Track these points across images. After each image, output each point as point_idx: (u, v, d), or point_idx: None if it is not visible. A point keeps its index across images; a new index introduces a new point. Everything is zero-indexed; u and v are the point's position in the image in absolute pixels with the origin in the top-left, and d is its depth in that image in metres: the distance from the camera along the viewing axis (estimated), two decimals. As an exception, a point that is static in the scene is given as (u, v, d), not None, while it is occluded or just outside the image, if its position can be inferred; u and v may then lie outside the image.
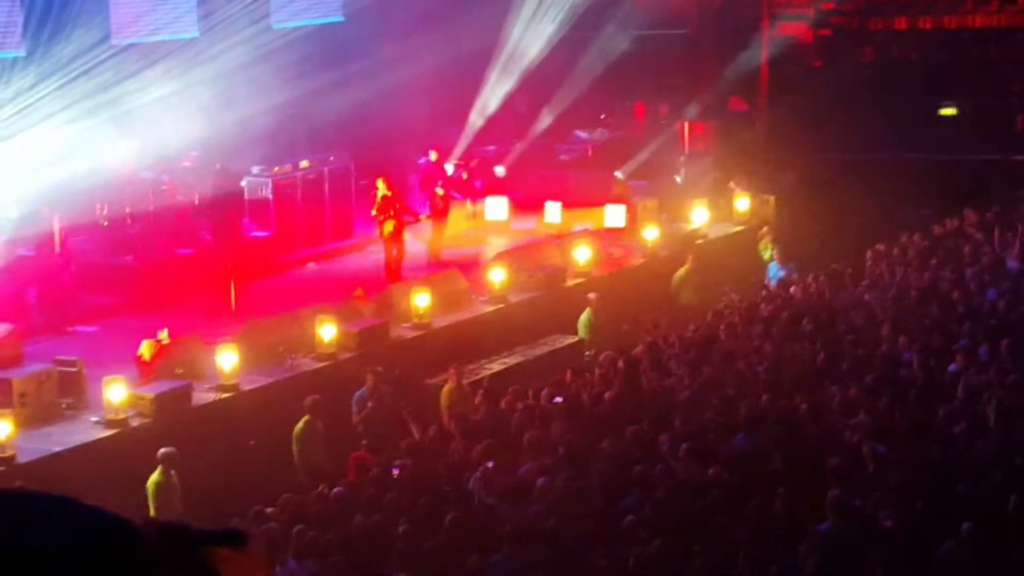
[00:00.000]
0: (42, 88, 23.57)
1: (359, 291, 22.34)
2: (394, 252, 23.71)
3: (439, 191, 25.61)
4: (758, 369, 18.16)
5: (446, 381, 19.42)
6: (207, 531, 1.41)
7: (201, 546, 1.39)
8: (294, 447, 17.81)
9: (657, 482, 14.07)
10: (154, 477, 15.93)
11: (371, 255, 24.02)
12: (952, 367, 17.62)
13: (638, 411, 16.63)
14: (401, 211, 23.58)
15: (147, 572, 1.35)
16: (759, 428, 15.72)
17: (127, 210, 23.87)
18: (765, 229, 26.79)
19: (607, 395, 17.45)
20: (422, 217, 23.85)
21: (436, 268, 24.41)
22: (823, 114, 31.87)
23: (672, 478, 14.26)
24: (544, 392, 17.80)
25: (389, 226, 23.34)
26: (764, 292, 23.13)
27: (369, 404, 18.73)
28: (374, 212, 23.56)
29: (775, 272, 24.48)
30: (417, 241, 26.11)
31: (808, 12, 36.92)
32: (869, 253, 24.80)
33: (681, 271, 24.84)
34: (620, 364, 18.82)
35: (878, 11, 36.93)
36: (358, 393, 18.95)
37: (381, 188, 23.51)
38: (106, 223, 23.70)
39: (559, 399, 17.52)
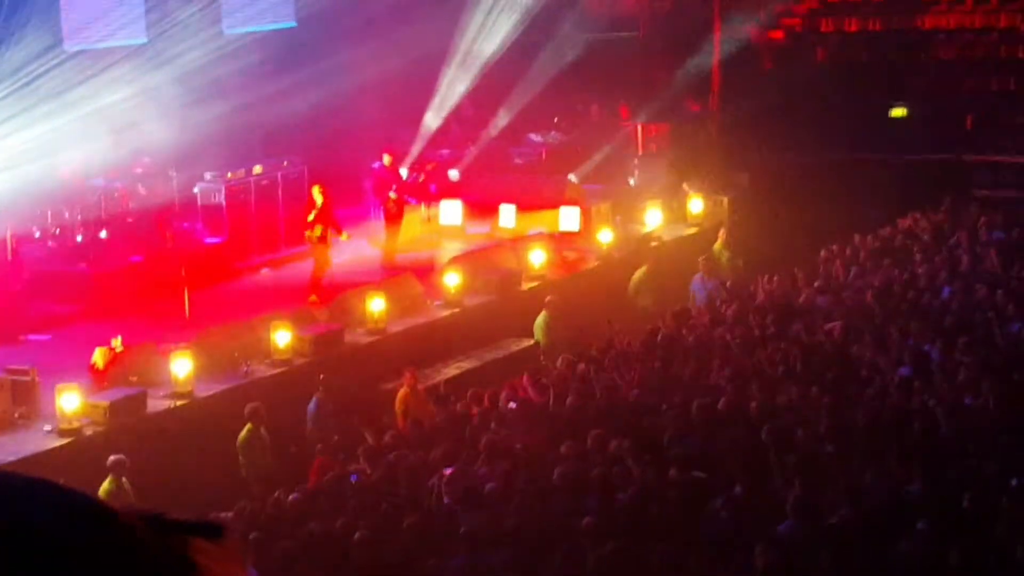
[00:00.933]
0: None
1: (313, 297, 22.29)
2: (320, 262, 23.41)
3: (393, 195, 25.55)
4: (719, 370, 18.19)
5: (401, 385, 19.39)
6: (185, 520, 1.39)
7: (179, 534, 1.37)
8: (240, 456, 17.76)
9: (616, 484, 14.05)
10: (105, 485, 15.80)
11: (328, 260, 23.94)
12: (903, 370, 17.69)
13: (596, 414, 16.63)
14: (328, 222, 23.31)
15: (126, 555, 1.33)
16: (716, 428, 15.74)
17: (79, 217, 23.73)
18: (722, 231, 26.88)
19: (568, 400, 17.42)
20: (344, 235, 23.60)
21: (391, 273, 24.35)
22: (776, 115, 32.00)
23: (630, 480, 14.25)
24: (502, 395, 17.80)
25: (316, 232, 23.14)
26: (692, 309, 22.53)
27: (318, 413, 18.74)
28: (310, 219, 23.32)
29: (698, 287, 24.09)
30: (371, 246, 26.08)
31: (759, 14, 37.06)
32: (822, 253, 24.90)
33: (638, 273, 24.88)
34: (579, 367, 18.83)
35: (829, 12, 37.12)
36: (311, 405, 18.96)
37: (316, 196, 23.35)
38: (58, 230, 23.56)
39: (514, 404, 17.51)
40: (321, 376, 19.30)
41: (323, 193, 23.36)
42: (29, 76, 23.62)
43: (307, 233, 23.30)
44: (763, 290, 22.68)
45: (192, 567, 1.36)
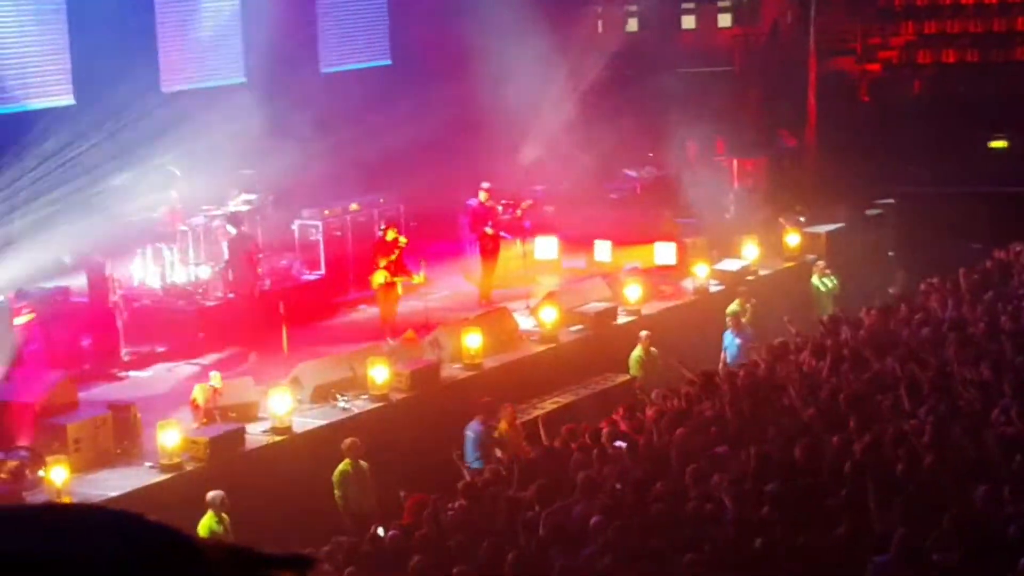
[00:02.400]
0: (92, 136, 23.74)
1: (409, 332, 22.35)
2: (388, 305, 23.37)
3: (489, 231, 25.64)
4: (819, 403, 18.01)
5: (499, 421, 19.40)
6: (274, 554, 1.39)
7: (265, 569, 1.38)
8: (335, 491, 17.82)
9: (713, 520, 13.96)
10: (204, 520, 15.94)
11: (422, 296, 24.02)
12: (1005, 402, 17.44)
13: (694, 448, 16.53)
14: (398, 269, 23.26)
15: None
16: (817, 464, 15.59)
17: (179, 256, 23.97)
18: (819, 263, 26.72)
19: (663, 432, 17.34)
20: (416, 277, 23.55)
21: (487, 308, 24.39)
22: (872, 148, 31.81)
23: (726, 516, 14.15)
24: (605, 432, 17.70)
25: (380, 277, 23.13)
26: (721, 367, 21.81)
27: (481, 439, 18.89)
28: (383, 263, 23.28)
29: (731, 341, 23.32)
30: (467, 282, 26.16)
31: (855, 47, 36.91)
32: (922, 286, 24.66)
33: (732, 307, 24.76)
34: (674, 402, 18.75)
35: (926, 45, 36.87)
36: (470, 431, 19.02)
37: (391, 236, 23.33)
38: (158, 268, 23.81)
39: (621, 444, 17.35)
40: (485, 399, 19.38)
41: (397, 234, 23.34)
42: (128, 118, 23.92)
43: (372, 277, 23.26)
44: (862, 322, 22.47)
45: None
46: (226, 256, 23.60)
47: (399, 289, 23.29)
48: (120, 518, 1.37)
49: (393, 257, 23.14)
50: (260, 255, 23.75)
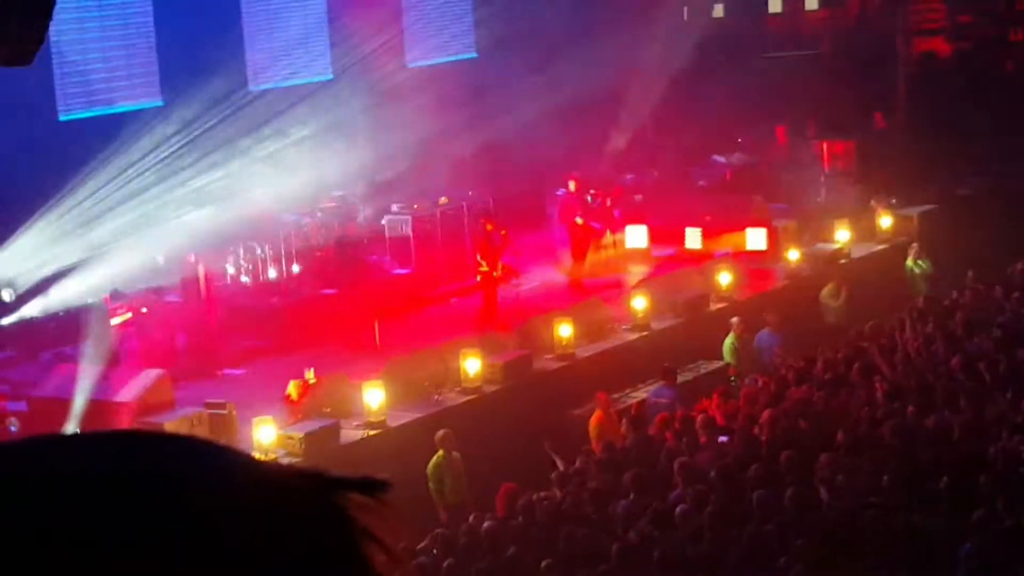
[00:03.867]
0: (182, 136, 23.96)
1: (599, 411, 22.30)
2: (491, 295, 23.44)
3: (579, 221, 25.61)
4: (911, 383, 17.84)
5: (593, 410, 19.38)
6: (345, 476, 1.39)
7: (338, 489, 1.38)
8: (430, 483, 17.85)
9: (809, 506, 13.86)
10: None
11: (513, 287, 24.03)
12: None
13: (789, 435, 16.42)
14: (496, 257, 23.30)
15: (275, 504, 1.34)
16: (913, 448, 15.43)
17: (270, 252, 24.13)
18: (913, 246, 26.46)
19: (761, 419, 17.22)
20: (497, 271, 23.52)
21: (578, 298, 24.36)
22: (965, 129, 31.41)
23: (822, 503, 14.05)
24: (699, 420, 17.60)
25: (483, 266, 23.21)
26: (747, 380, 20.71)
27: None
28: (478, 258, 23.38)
29: (766, 342, 22.40)
30: (558, 272, 26.14)
31: (945, 26, 36.47)
32: (1020, 265, 24.32)
33: (826, 291, 24.58)
34: (770, 387, 18.65)
35: (1018, 21, 36.37)
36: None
37: (489, 230, 23.40)
38: (250, 266, 23.99)
39: (724, 438, 17.20)
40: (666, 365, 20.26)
41: (495, 226, 23.39)
42: (218, 116, 24.12)
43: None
44: (959, 303, 22.24)
45: (346, 519, 1.37)
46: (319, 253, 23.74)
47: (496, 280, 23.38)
48: (177, 442, 1.38)
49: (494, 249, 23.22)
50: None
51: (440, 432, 18.01)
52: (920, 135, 31.53)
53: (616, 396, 20.50)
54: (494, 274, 23.17)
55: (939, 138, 30.93)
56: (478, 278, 23.46)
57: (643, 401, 20.47)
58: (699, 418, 17.68)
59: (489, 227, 23.43)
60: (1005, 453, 14.81)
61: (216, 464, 1.31)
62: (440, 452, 17.87)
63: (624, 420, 18.83)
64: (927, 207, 28.95)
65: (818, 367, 19.51)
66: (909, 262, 26.14)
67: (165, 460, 1.29)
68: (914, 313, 22.25)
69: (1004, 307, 21.79)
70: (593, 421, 19.20)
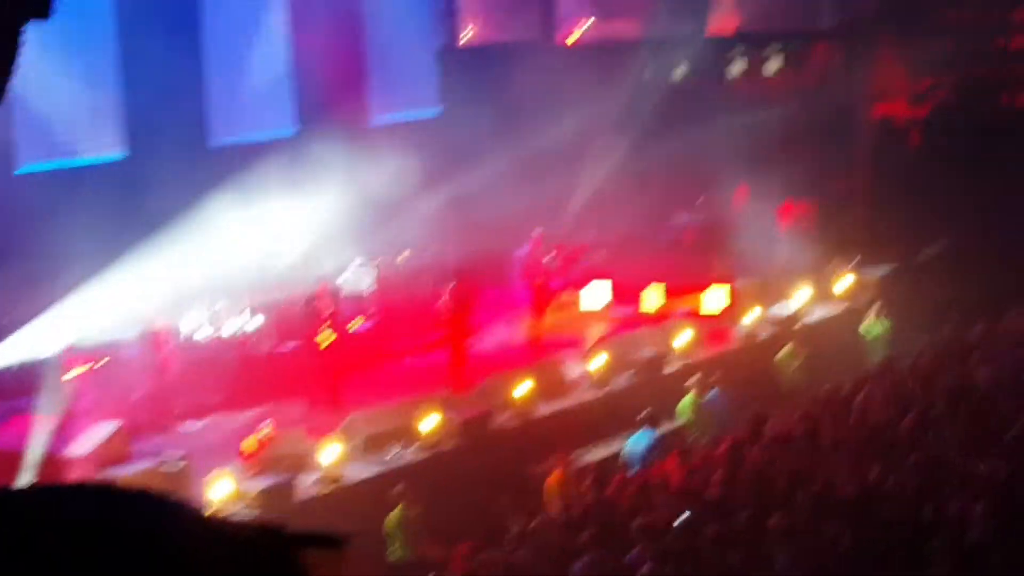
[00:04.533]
0: (143, 189, 23.87)
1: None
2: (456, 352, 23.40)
3: (539, 279, 25.63)
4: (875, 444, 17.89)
5: (552, 469, 19.34)
6: (305, 532, 1.39)
7: (297, 547, 1.38)
8: (388, 539, 17.77)
9: (764, 567, 13.86)
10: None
11: (473, 345, 24.00)
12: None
13: (743, 495, 16.43)
14: (462, 314, 23.28)
15: (235, 564, 1.34)
16: (871, 512, 15.45)
17: (229, 307, 24.03)
18: (873, 308, 26.56)
19: (713, 479, 17.24)
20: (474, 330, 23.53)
21: (537, 356, 24.36)
22: (924, 192, 31.62)
23: (776, 562, 14.05)
24: (658, 480, 17.62)
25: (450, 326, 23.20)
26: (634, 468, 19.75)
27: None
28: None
29: (643, 440, 20.60)
30: (517, 329, 26.13)
31: (905, 91, 36.77)
32: (977, 329, 24.47)
33: (784, 352, 24.65)
34: (723, 448, 18.65)
35: (977, 89, 36.69)
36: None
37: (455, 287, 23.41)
38: (208, 320, 23.88)
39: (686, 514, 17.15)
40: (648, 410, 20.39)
41: (460, 285, 23.39)
42: (179, 169, 24.05)
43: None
44: (918, 366, 22.34)
45: (300, 572, 1.37)
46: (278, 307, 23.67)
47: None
48: (147, 498, 1.39)
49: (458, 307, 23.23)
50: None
51: (397, 487, 17.95)
52: (880, 197, 31.72)
53: (574, 455, 20.46)
54: (463, 331, 23.14)
55: (899, 201, 31.12)
56: (442, 335, 23.42)
57: (605, 459, 20.46)
58: (657, 478, 17.67)
59: (455, 284, 23.43)
60: (959, 515, 14.85)
61: (182, 520, 1.30)
62: (398, 508, 17.80)
63: (589, 479, 18.78)
64: (887, 269, 29.10)
65: (774, 428, 19.54)
66: (868, 324, 26.23)
67: (134, 516, 1.29)
68: (872, 375, 22.36)
69: (958, 369, 21.89)
70: (552, 480, 19.17)
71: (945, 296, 27.76)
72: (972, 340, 23.90)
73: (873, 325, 26.09)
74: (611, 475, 18.79)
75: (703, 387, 22.38)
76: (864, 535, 14.68)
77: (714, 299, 26.73)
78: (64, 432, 19.38)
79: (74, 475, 18.21)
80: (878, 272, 28.81)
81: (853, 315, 27.20)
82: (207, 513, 1.39)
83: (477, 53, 33.49)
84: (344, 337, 22.23)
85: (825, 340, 25.69)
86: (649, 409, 20.23)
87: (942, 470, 16.61)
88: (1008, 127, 35.28)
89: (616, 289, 27.57)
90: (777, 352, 24.73)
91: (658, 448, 19.93)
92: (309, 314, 22.24)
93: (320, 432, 19.60)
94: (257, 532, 1.37)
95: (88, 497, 1.36)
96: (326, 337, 21.88)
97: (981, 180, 32.52)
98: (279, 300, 24.58)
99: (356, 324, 23.55)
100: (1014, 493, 15.57)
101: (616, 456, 20.92)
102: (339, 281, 25.38)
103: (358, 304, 25.28)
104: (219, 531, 1.35)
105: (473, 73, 30.73)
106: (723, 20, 36.55)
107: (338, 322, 22.45)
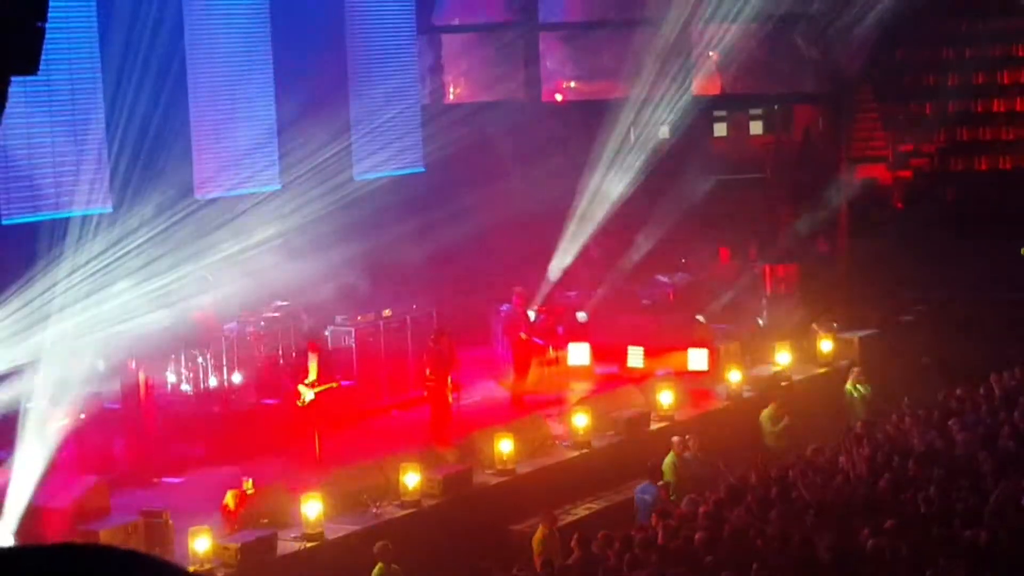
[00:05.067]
0: (128, 243, 23.90)
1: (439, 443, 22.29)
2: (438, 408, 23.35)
3: (522, 336, 25.67)
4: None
5: (537, 527, 19.32)
6: None
7: None
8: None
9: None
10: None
11: (455, 401, 23.98)
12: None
13: (723, 554, 16.42)
14: (445, 371, 23.23)
15: None
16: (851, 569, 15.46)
17: (211, 360, 24.02)
18: (854, 370, 26.64)
19: (696, 537, 17.23)
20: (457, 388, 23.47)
21: (519, 413, 24.37)
22: (906, 255, 31.76)
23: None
24: (639, 539, 17.60)
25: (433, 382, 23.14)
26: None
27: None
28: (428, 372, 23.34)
29: (650, 491, 21.10)
30: (500, 387, 26.15)
31: (887, 154, 36.98)
32: (957, 392, 24.54)
33: (766, 413, 24.70)
34: (702, 508, 18.65)
35: (958, 152, 36.92)
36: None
37: (438, 343, 23.40)
38: (191, 374, 23.87)
39: None
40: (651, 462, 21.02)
41: (441, 340, 23.38)
42: (165, 224, 24.11)
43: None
44: (897, 430, 22.39)
45: None
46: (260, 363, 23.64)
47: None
48: (138, 559, 1.39)
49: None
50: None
51: (378, 544, 17.90)
52: (862, 260, 31.85)
53: (556, 513, 20.43)
54: (444, 387, 23.10)
55: (881, 264, 31.26)
56: (425, 392, 23.41)
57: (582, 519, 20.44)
58: (639, 537, 17.64)
59: (439, 341, 23.44)
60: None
61: None
62: (379, 565, 17.75)
63: (575, 537, 18.73)
64: (868, 332, 29.21)
65: (755, 488, 19.55)
66: (849, 386, 26.30)
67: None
68: (852, 437, 22.38)
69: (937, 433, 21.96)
70: (537, 537, 19.14)
71: (925, 359, 27.87)
72: (951, 404, 23.96)
73: (853, 388, 26.16)
74: (595, 532, 18.75)
75: (684, 446, 22.41)
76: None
77: (697, 359, 26.78)
78: (44, 485, 19.30)
79: (53, 528, 18.14)
80: (859, 334, 28.88)
81: (834, 376, 27.27)
82: (188, 572, 1.40)
83: (462, 111, 33.61)
84: (328, 393, 22.16)
85: (807, 401, 25.75)
86: (653, 461, 20.23)
87: (922, 534, 16.64)
88: (989, 190, 35.51)
89: (599, 348, 27.61)
90: (759, 412, 24.77)
91: (662, 499, 20.28)
92: (295, 370, 22.19)
93: (301, 488, 19.54)
94: None
95: (69, 559, 1.37)
96: (310, 394, 21.84)
97: (963, 243, 32.69)
98: (261, 354, 24.58)
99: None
100: (995, 558, 15.60)
101: (599, 514, 20.92)
102: (323, 336, 25.38)
103: (341, 360, 25.25)
104: None
105: (458, 130, 30.82)
106: (707, 81, 36.72)
107: (323, 379, 22.40)
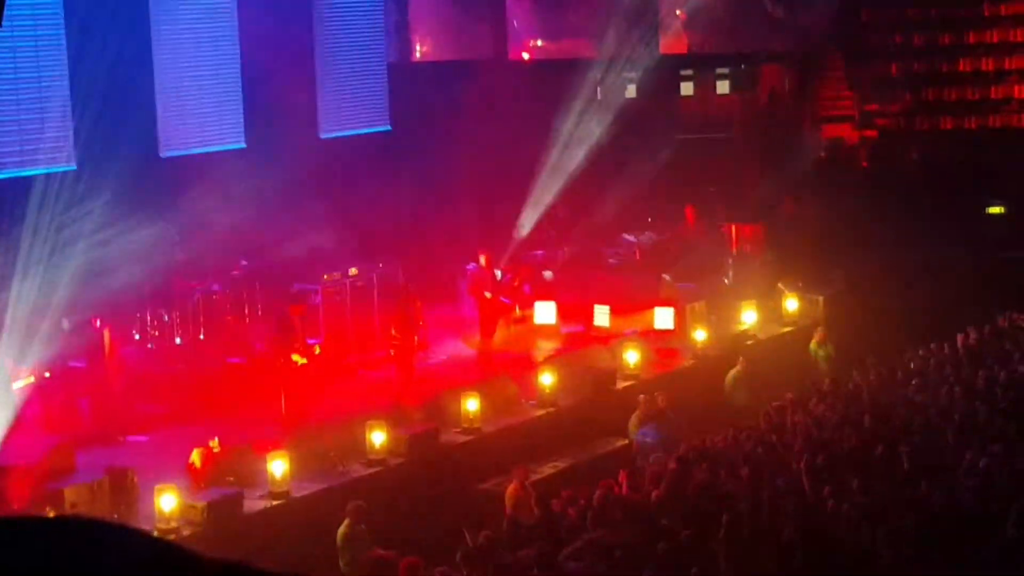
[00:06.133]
0: (92, 202, 23.77)
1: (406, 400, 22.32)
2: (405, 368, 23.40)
3: (488, 296, 25.66)
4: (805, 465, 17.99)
5: (511, 482, 19.36)
6: (270, 570, 1.40)
7: None
8: (340, 554, 17.75)
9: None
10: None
11: (421, 361, 24.00)
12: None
13: (690, 512, 16.50)
14: (412, 329, 23.28)
15: None
16: (811, 523, 15.55)
17: (178, 319, 23.96)
18: (818, 329, 26.74)
19: (655, 494, 17.33)
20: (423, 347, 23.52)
21: (486, 373, 24.39)
22: (871, 214, 31.87)
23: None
24: (603, 496, 17.67)
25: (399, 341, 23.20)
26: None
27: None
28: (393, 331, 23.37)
29: (651, 433, 21.95)
30: (466, 346, 26.16)
31: (853, 114, 37.08)
32: (920, 351, 24.70)
33: (732, 372, 24.78)
34: (671, 465, 18.71)
35: (923, 112, 37.04)
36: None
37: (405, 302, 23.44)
38: (157, 333, 23.80)
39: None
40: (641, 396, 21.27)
41: (408, 299, 23.42)
42: (129, 182, 23.95)
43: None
44: (860, 387, 22.51)
45: None
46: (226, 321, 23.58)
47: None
48: (119, 531, 1.39)
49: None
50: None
51: (352, 503, 17.88)
52: (828, 219, 31.93)
53: (531, 469, 20.46)
54: (411, 346, 23.13)
55: (847, 223, 31.34)
56: (391, 351, 23.40)
57: (548, 477, 20.52)
58: (603, 495, 17.69)
59: (405, 300, 23.43)
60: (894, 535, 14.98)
61: (136, 555, 1.30)
62: (347, 523, 17.74)
63: (536, 496, 18.79)
64: (833, 291, 29.29)
65: (719, 446, 19.65)
66: (813, 345, 26.42)
67: (90, 554, 1.28)
68: (817, 397, 22.52)
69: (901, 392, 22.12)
70: (508, 492, 19.19)
71: (890, 318, 27.97)
72: (915, 363, 24.10)
73: (818, 347, 26.29)
74: (560, 491, 18.83)
75: (650, 405, 22.49)
76: (810, 555, 14.76)
77: (663, 318, 26.84)
78: (9, 444, 19.25)
79: (18, 486, 18.09)
80: (824, 294, 28.96)
81: (799, 336, 27.37)
82: (164, 546, 1.39)
83: (428, 69, 33.55)
84: (308, 353, 22.10)
85: (772, 360, 25.84)
86: (645, 396, 20.24)
87: (881, 492, 16.74)
88: (955, 150, 35.65)
89: (565, 307, 27.64)
90: (725, 371, 24.86)
91: (665, 441, 20.85)
92: (281, 330, 22.04)
93: (268, 446, 19.54)
94: (213, 567, 1.38)
95: (39, 534, 1.36)
96: (298, 355, 21.75)
97: (928, 203, 32.83)
98: (228, 313, 24.53)
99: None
100: (947, 517, 15.72)
101: (565, 472, 20.98)
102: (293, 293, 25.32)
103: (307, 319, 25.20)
104: (172, 567, 1.35)
105: (424, 89, 30.77)
106: (674, 40, 36.73)
107: (303, 341, 22.34)
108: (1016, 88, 36.60)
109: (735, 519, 15.50)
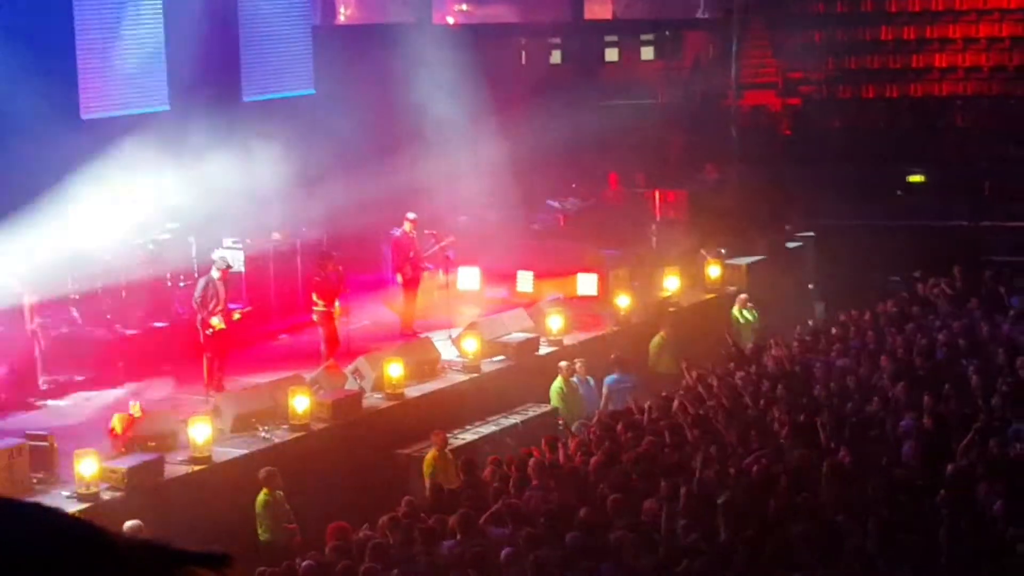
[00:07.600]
0: (12, 165, 23.46)
1: (330, 361, 22.29)
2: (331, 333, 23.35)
3: (411, 261, 25.61)
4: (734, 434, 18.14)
5: (429, 448, 19.39)
6: (189, 551, 1.40)
7: (179, 564, 1.38)
8: (258, 521, 17.74)
9: (637, 548, 13.99)
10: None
11: (344, 326, 23.95)
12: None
13: (617, 478, 16.59)
14: (333, 295, 23.25)
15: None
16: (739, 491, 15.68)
17: (99, 283, 23.76)
18: (741, 296, 26.89)
19: (592, 461, 17.41)
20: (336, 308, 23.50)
21: (408, 338, 24.39)
22: (793, 181, 32.09)
23: (651, 544, 14.19)
24: (526, 462, 17.72)
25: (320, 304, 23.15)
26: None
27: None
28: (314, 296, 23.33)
29: (626, 381, 22.98)
30: (389, 311, 26.13)
31: (776, 81, 37.25)
32: (841, 318, 24.94)
33: (656, 339, 24.89)
34: (597, 431, 18.80)
35: (846, 80, 37.27)
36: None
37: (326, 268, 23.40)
38: (77, 296, 23.58)
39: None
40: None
41: (329, 265, 23.36)
42: (49, 145, 23.66)
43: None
44: (775, 355, 22.70)
45: None
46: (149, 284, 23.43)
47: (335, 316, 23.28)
48: (37, 510, 1.38)
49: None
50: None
51: (263, 470, 17.87)
52: (750, 187, 32.11)
53: (450, 435, 20.50)
54: (332, 312, 23.08)
55: (769, 190, 31.54)
56: (314, 316, 23.32)
57: (471, 443, 20.56)
58: (529, 461, 17.76)
59: (326, 265, 23.36)
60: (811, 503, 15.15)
61: (65, 537, 1.29)
62: (264, 490, 17.74)
63: (460, 461, 18.81)
64: (756, 258, 29.46)
65: (645, 415, 19.75)
66: (735, 312, 26.58)
67: (7, 533, 1.27)
68: (740, 360, 22.69)
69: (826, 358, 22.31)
70: (427, 459, 19.23)
71: (812, 285, 28.22)
72: (835, 329, 24.33)
73: (740, 314, 26.46)
74: (483, 456, 18.89)
75: (572, 371, 22.57)
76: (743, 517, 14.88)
77: (586, 284, 26.90)
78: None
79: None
80: (746, 261, 29.12)
81: (722, 302, 27.53)
82: (94, 529, 1.38)
83: (353, 32, 33.38)
84: (227, 320, 21.96)
85: (695, 327, 25.98)
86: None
87: (799, 458, 16.90)
88: (877, 118, 35.92)
89: (489, 272, 27.65)
90: (648, 337, 24.96)
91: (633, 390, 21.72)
92: (205, 296, 21.85)
93: (189, 411, 19.45)
94: (142, 549, 1.37)
95: None
96: (219, 321, 21.59)
97: (850, 171, 33.10)
98: (149, 278, 24.35)
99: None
100: (857, 478, 15.92)
101: (488, 438, 21.02)
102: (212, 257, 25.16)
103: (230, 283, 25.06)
104: (103, 548, 1.35)
105: (349, 53, 30.61)
106: (599, 6, 36.72)
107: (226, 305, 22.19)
108: (937, 57, 36.90)
109: (676, 487, 15.59)
